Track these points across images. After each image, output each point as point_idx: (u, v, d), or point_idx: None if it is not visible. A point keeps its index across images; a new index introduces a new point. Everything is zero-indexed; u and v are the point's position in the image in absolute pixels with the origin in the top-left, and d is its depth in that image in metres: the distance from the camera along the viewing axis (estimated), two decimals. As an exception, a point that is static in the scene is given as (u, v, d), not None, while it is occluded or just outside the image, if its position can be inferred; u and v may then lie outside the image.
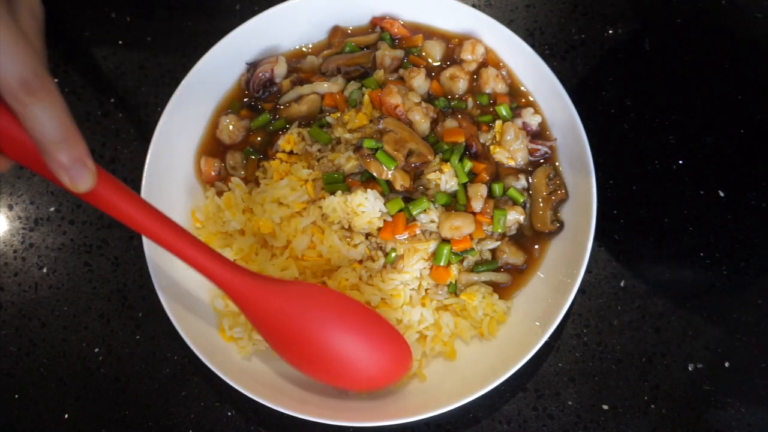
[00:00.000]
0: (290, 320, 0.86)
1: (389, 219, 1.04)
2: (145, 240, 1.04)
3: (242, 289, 0.86)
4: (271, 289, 0.88)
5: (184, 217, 1.11)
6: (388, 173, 1.03)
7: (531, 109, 1.11)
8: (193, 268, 0.85)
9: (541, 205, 1.08)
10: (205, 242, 1.07)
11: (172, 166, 1.11)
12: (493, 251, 1.08)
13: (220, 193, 1.11)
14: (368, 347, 0.89)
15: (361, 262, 1.05)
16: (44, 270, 1.17)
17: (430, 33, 1.18)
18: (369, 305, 1.03)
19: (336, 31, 1.18)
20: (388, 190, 1.05)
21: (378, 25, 1.18)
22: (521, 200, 1.08)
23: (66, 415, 1.10)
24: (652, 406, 1.07)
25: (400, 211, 1.04)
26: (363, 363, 0.89)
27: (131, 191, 0.78)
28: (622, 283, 1.12)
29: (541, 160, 1.11)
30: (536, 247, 1.08)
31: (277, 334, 0.88)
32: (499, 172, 1.10)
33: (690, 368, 1.08)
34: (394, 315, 1.03)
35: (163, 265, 1.05)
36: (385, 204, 1.04)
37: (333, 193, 1.04)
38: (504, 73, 1.14)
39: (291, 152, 1.11)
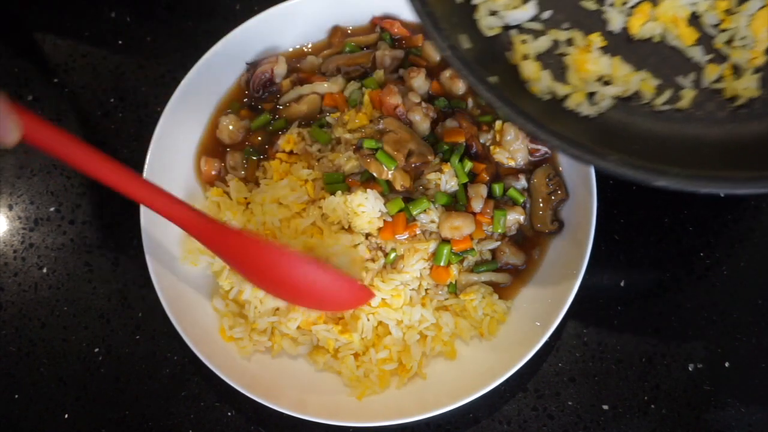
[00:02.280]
0: (267, 265, 0.95)
1: (389, 219, 1.04)
2: (145, 240, 1.04)
3: (219, 241, 0.95)
4: (240, 239, 0.96)
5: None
6: (388, 173, 1.03)
7: (531, 109, 1.11)
8: (161, 214, 0.92)
9: (541, 205, 1.08)
10: None
11: (172, 166, 1.11)
12: (493, 251, 1.08)
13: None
14: (329, 281, 0.98)
15: (361, 262, 1.05)
16: (44, 270, 1.17)
17: (430, 33, 1.18)
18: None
19: (336, 31, 1.18)
20: (388, 190, 1.05)
21: (378, 25, 1.18)
22: (521, 200, 1.08)
23: (66, 415, 1.10)
24: (652, 406, 1.07)
25: (400, 211, 1.04)
26: (329, 290, 0.98)
27: (65, 133, 0.83)
28: (622, 283, 1.12)
29: (541, 160, 1.11)
30: (536, 247, 1.08)
31: (257, 277, 0.98)
32: (499, 172, 1.10)
33: (690, 368, 1.08)
34: (394, 315, 1.03)
35: (163, 265, 1.05)
36: (385, 204, 1.04)
37: (333, 193, 1.04)
38: (504, 73, 1.14)
39: (291, 152, 1.11)
